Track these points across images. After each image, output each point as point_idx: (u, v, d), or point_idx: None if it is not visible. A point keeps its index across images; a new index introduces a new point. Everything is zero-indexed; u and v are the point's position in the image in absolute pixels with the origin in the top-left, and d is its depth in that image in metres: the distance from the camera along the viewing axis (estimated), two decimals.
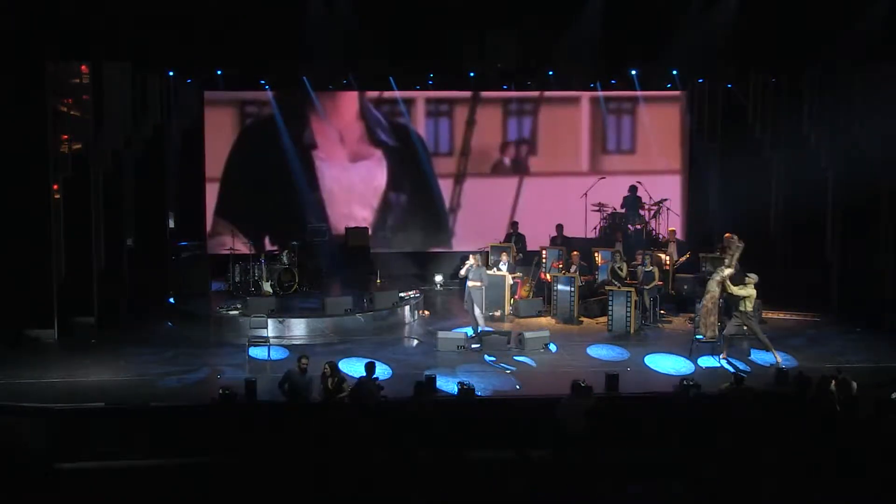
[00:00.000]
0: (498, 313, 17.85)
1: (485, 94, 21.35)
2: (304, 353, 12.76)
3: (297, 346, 15.67)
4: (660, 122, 21.89)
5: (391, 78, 20.34)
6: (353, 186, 21.40)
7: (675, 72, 20.38)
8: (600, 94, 21.59)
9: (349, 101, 21.40)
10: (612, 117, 22.04)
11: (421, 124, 21.49)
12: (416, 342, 16.13)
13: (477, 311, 16.06)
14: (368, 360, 12.73)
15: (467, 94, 21.30)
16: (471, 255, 16.53)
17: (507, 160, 21.89)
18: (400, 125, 21.52)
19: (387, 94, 21.17)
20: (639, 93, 21.44)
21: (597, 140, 22.03)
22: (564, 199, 21.09)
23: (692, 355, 15.38)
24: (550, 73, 20.29)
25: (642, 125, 21.89)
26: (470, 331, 16.09)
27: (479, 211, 21.57)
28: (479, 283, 16.21)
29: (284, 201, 20.94)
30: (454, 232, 21.87)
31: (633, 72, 20.35)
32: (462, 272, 16.49)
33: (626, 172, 21.21)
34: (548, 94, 21.48)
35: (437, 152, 21.66)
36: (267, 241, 19.06)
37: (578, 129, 21.97)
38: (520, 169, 21.91)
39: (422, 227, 21.87)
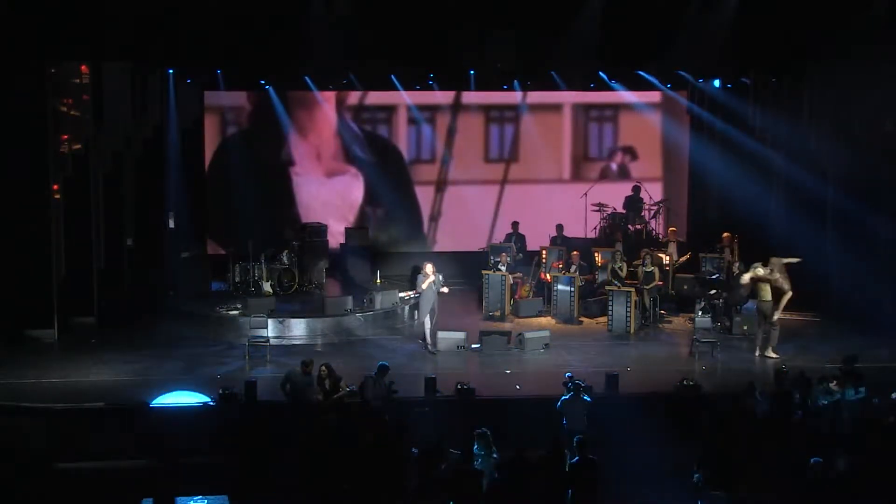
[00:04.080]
0: (498, 313, 17.86)
1: (484, 94, 21.31)
2: (307, 359, 12.72)
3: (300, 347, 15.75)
4: (660, 122, 21.87)
5: (392, 76, 20.29)
6: (350, 187, 21.37)
7: (675, 72, 20.34)
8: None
9: (349, 103, 21.38)
10: (611, 117, 22.02)
11: (419, 125, 21.41)
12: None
13: (427, 320, 15.87)
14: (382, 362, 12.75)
15: (466, 94, 21.25)
16: (427, 265, 16.05)
17: (503, 161, 21.85)
18: (400, 126, 21.48)
19: (387, 94, 21.13)
20: (639, 93, 21.43)
21: (596, 141, 22.03)
22: (563, 200, 21.13)
23: (693, 356, 15.40)
24: (549, 73, 20.25)
25: (642, 125, 21.87)
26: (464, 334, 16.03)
27: (480, 211, 21.55)
28: (445, 290, 16.14)
29: (275, 203, 21.02)
30: (453, 232, 21.83)
31: (633, 72, 20.31)
32: (424, 285, 15.84)
33: (626, 173, 21.21)
34: (547, 94, 21.44)
35: (436, 154, 21.62)
36: (263, 241, 19.02)
37: (577, 128, 21.96)
38: (516, 169, 21.89)
39: (422, 228, 21.90)
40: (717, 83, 20.65)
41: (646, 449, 11.23)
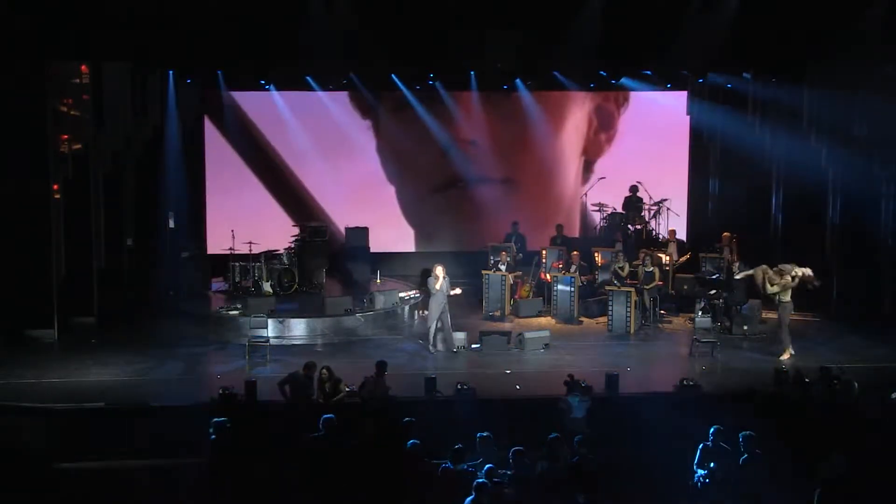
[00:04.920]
0: (498, 313, 17.86)
1: (484, 94, 21.27)
2: (311, 361, 12.74)
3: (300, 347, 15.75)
4: (660, 122, 21.85)
5: (393, 76, 20.27)
6: (351, 187, 21.34)
7: (675, 72, 20.34)
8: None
9: (350, 101, 21.36)
10: (611, 118, 22.02)
11: (419, 124, 21.34)
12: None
13: (435, 322, 15.78)
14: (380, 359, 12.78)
15: (466, 93, 21.22)
16: (437, 268, 15.85)
17: (503, 160, 21.77)
18: (398, 125, 21.45)
19: (387, 93, 21.13)
20: (639, 93, 21.45)
21: (595, 140, 22.02)
22: (563, 200, 21.11)
23: (693, 356, 15.40)
24: (549, 73, 20.24)
25: (642, 125, 21.85)
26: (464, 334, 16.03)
27: (480, 211, 21.53)
28: (457, 291, 16.14)
29: (275, 202, 21.02)
30: (454, 232, 21.82)
31: (633, 72, 20.31)
32: (437, 286, 15.63)
33: (626, 173, 21.15)
34: (547, 94, 21.42)
35: (436, 152, 21.56)
36: (265, 240, 19.02)
37: (577, 129, 21.96)
38: (516, 169, 21.84)
39: (422, 228, 21.90)
40: (716, 83, 20.63)
41: (646, 449, 11.22)
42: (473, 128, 21.45)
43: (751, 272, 15.72)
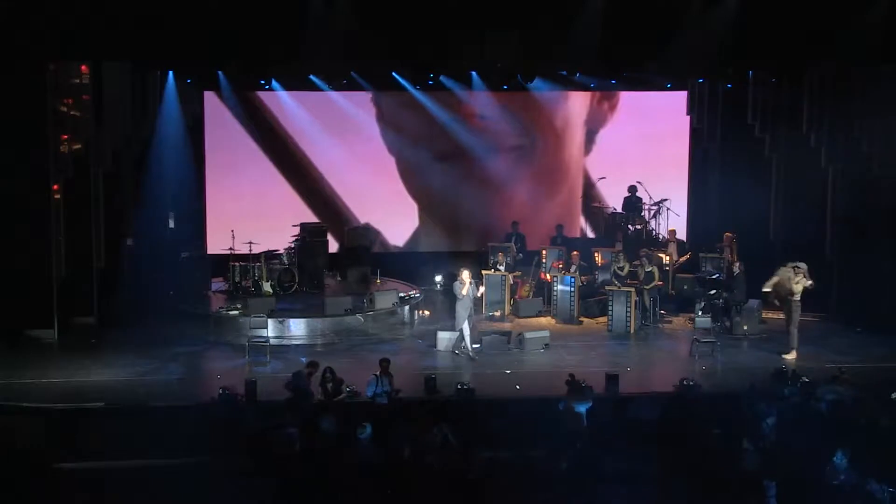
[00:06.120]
0: (498, 313, 17.86)
1: (484, 94, 21.24)
2: (314, 360, 12.76)
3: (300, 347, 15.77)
4: (660, 122, 21.84)
5: (394, 73, 20.25)
6: (355, 186, 21.33)
7: (675, 71, 20.32)
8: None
9: (350, 101, 21.34)
10: (611, 117, 22.00)
11: (418, 123, 21.34)
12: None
13: (466, 326, 15.67)
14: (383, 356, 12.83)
15: (467, 94, 21.20)
16: (463, 272, 15.76)
17: (505, 160, 21.75)
18: (398, 124, 21.44)
19: (386, 93, 21.11)
20: (639, 93, 21.44)
21: (595, 140, 22.00)
22: (563, 200, 21.06)
23: (693, 356, 15.40)
24: (550, 73, 20.25)
25: (642, 125, 21.83)
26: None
27: (478, 211, 21.53)
28: (483, 290, 16.18)
29: (275, 202, 21.02)
30: (453, 232, 21.83)
31: (632, 72, 20.30)
32: (463, 292, 15.50)
33: (626, 173, 21.15)
34: (547, 94, 21.41)
35: (438, 152, 21.56)
36: (265, 240, 19.01)
37: (577, 129, 21.94)
38: (518, 169, 21.83)
39: (422, 227, 21.89)
40: (717, 82, 20.62)
41: (644, 450, 11.22)
42: (474, 128, 21.36)
43: (776, 279, 15.62)
